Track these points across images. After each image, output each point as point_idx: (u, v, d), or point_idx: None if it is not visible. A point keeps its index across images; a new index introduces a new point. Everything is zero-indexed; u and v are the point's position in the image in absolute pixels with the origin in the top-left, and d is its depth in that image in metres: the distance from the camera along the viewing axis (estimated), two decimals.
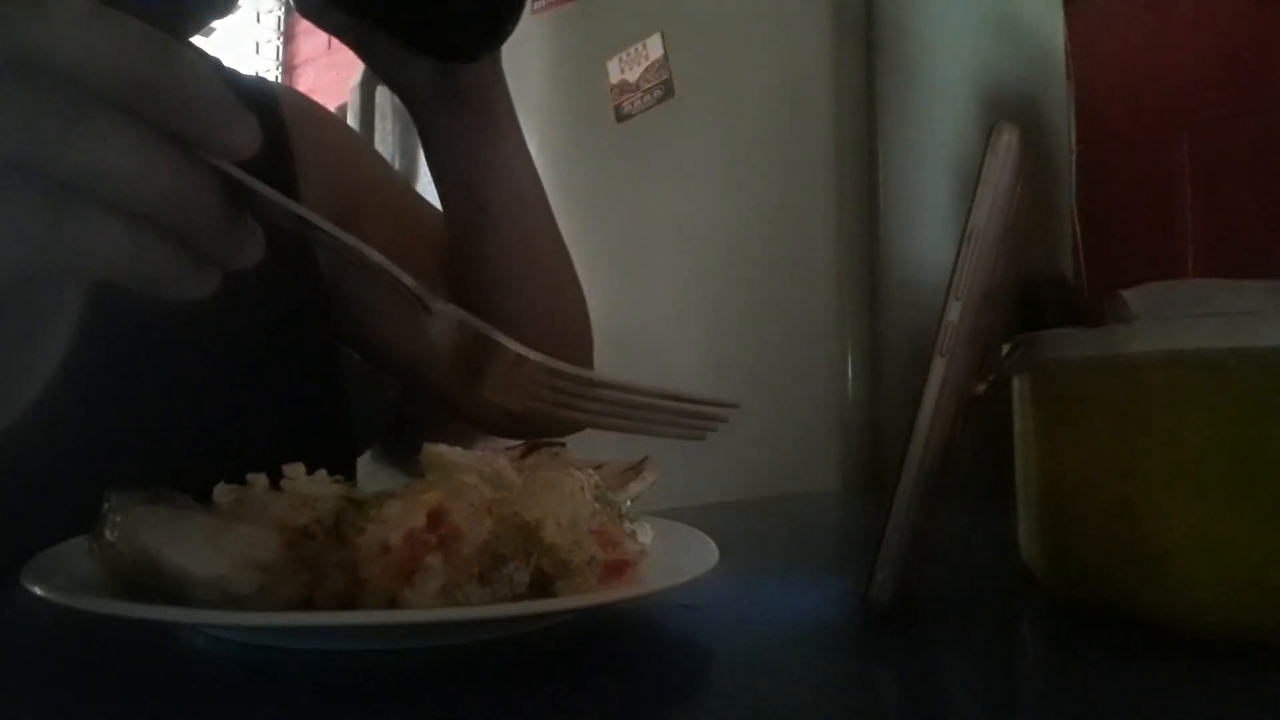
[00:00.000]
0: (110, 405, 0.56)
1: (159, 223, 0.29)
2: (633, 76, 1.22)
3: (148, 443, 0.56)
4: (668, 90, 1.19)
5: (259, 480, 0.36)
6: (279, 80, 2.85)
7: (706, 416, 0.44)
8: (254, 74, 0.76)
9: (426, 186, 1.52)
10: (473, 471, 0.36)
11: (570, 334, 0.71)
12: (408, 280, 0.35)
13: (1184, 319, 0.36)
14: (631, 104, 1.22)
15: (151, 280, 0.30)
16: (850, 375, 1.03)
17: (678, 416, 0.43)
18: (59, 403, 0.54)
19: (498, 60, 0.61)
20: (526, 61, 1.35)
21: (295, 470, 0.36)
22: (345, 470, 0.38)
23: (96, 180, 0.28)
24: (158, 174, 0.28)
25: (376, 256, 0.34)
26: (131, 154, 0.28)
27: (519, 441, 0.51)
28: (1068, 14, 1.44)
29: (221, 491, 0.36)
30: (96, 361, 0.56)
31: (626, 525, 0.37)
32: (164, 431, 0.58)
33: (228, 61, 0.71)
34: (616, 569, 0.35)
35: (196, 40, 0.65)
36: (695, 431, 0.44)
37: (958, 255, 0.37)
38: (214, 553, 0.32)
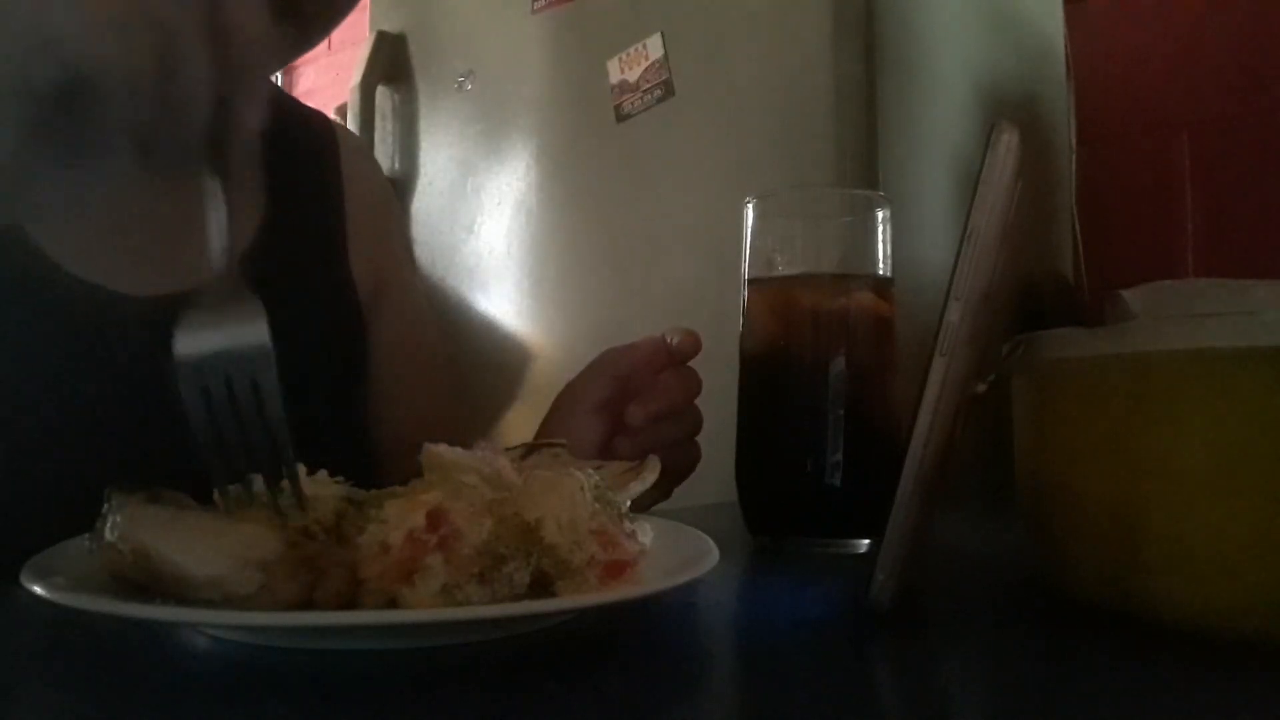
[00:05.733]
0: (114, 407, 0.56)
1: None
2: (633, 76, 1.22)
3: (151, 445, 0.56)
4: (668, 90, 1.19)
5: (259, 480, 0.36)
6: (279, 82, 2.85)
7: None
8: (313, 108, 0.77)
9: (426, 188, 1.51)
10: (473, 471, 0.36)
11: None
12: None
13: (1184, 319, 0.36)
14: (631, 104, 1.22)
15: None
16: None
17: None
18: (61, 404, 0.54)
19: None
20: (526, 61, 1.35)
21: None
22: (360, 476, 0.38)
23: None
24: None
25: None
26: None
27: (519, 442, 0.51)
28: (1068, 14, 1.43)
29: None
30: (101, 364, 0.55)
31: (626, 525, 0.37)
32: (169, 435, 0.57)
33: None
34: (616, 569, 0.35)
35: None
36: None
37: (958, 255, 0.37)
38: (214, 553, 0.32)
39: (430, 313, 0.86)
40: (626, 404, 0.60)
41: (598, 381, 0.62)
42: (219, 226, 0.39)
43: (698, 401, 0.63)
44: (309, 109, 0.76)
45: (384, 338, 0.72)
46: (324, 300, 0.68)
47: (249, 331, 0.38)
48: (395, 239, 0.81)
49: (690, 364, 0.62)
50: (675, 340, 0.61)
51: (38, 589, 0.31)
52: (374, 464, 0.69)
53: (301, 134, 0.72)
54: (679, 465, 0.61)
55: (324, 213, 0.70)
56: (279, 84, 0.72)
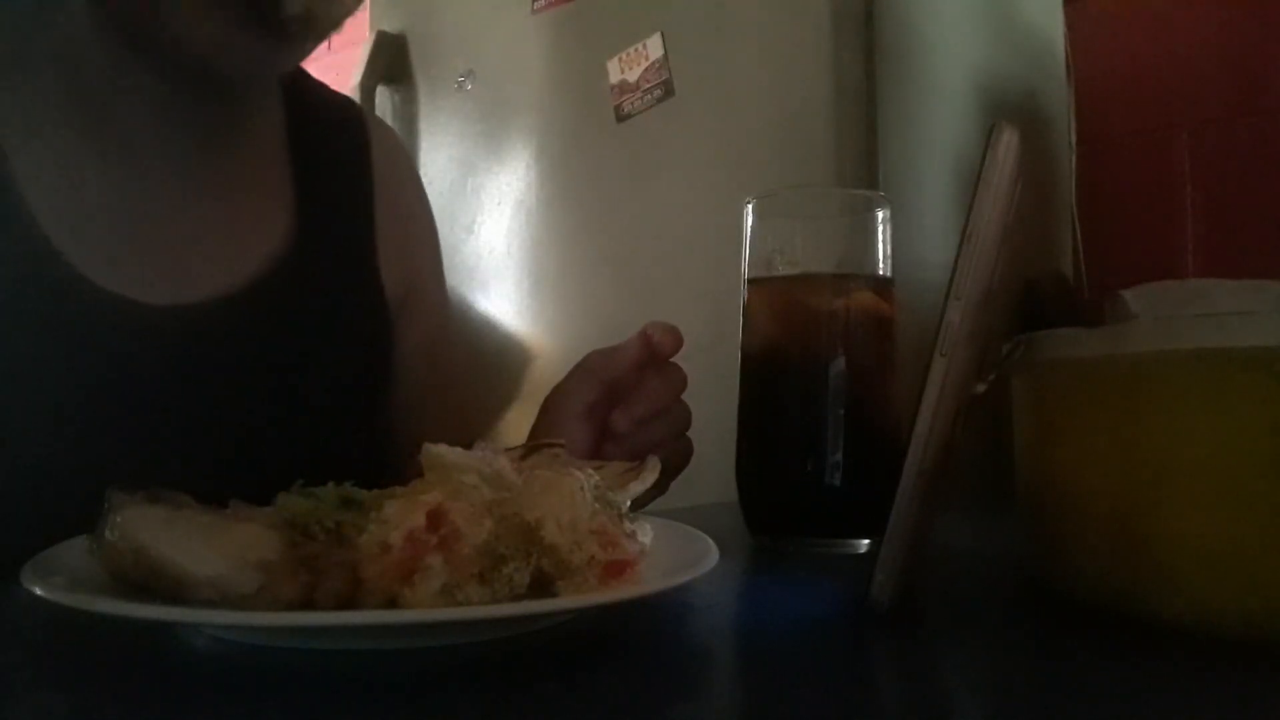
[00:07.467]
0: (115, 408, 0.55)
1: None
2: (633, 76, 1.22)
3: (153, 446, 0.56)
4: (668, 90, 1.19)
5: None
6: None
7: None
8: (343, 94, 0.76)
9: (426, 188, 1.52)
10: (473, 471, 0.36)
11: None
12: None
13: (1184, 319, 0.36)
14: (631, 104, 1.22)
15: None
16: None
17: None
18: (63, 404, 0.54)
19: None
20: (526, 61, 1.35)
21: None
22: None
23: None
24: None
25: None
26: None
27: (519, 442, 0.52)
28: (1068, 14, 1.43)
29: None
30: (104, 366, 0.55)
31: (626, 525, 0.37)
32: (171, 436, 0.57)
33: None
34: (616, 569, 0.35)
35: None
36: None
37: (958, 255, 0.37)
38: (214, 553, 0.32)
39: (456, 324, 0.85)
40: (613, 407, 0.59)
41: (583, 386, 0.61)
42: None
43: (694, 400, 0.63)
44: (337, 96, 0.73)
45: (409, 345, 0.71)
46: (353, 301, 0.67)
47: None
48: (427, 247, 0.79)
49: (691, 365, 0.62)
50: (656, 337, 0.60)
51: (38, 589, 0.31)
52: (391, 468, 0.69)
53: (331, 123, 0.70)
54: (672, 462, 0.60)
55: (353, 213, 0.68)
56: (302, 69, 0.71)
